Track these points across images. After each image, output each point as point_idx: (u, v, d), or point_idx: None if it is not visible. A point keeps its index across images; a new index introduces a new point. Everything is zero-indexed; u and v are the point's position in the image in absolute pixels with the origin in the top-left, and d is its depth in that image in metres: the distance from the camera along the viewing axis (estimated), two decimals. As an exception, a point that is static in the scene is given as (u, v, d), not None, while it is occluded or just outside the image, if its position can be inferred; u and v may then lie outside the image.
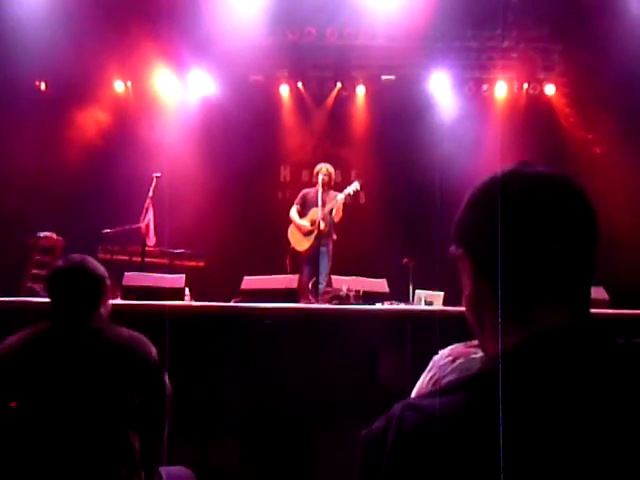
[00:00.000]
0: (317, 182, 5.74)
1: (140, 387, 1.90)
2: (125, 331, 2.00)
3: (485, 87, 7.52)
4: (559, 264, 0.84)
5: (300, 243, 5.76)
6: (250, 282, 4.36)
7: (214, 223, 7.02)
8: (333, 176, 5.84)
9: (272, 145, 7.64)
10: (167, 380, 2.00)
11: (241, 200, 7.39)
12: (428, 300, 4.44)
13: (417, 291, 4.64)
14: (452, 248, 0.92)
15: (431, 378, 1.05)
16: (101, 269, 2.08)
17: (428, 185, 6.59)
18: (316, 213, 5.62)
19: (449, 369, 1.03)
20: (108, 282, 2.08)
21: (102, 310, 2.05)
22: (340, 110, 7.76)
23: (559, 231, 0.85)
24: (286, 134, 7.79)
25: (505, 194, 0.84)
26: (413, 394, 1.11)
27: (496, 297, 0.85)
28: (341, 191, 5.73)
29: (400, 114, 7.10)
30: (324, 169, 5.77)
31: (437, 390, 0.81)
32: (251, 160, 7.22)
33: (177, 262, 5.87)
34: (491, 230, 0.85)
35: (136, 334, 2.02)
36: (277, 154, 7.79)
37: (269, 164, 7.72)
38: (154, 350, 2.01)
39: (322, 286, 5.34)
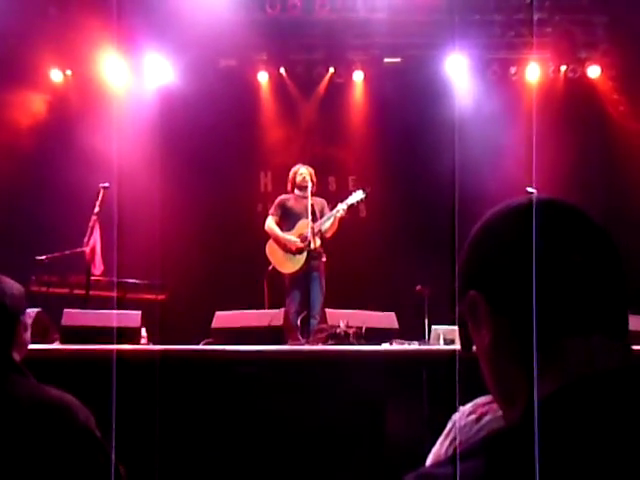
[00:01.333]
0: (295, 187, 5.90)
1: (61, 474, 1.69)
2: (43, 391, 1.78)
3: (513, 70, 7.64)
4: (586, 283, 0.90)
5: (284, 264, 5.79)
6: (224, 319, 4.43)
7: (178, 245, 7.07)
8: (314, 179, 5.95)
9: (249, 147, 7.71)
10: (113, 459, 1.79)
11: (211, 216, 7.43)
12: (448, 338, 4.51)
13: (434, 327, 4.71)
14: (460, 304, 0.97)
15: (451, 442, 1.07)
16: (14, 292, 1.87)
17: (444, 194, 6.50)
18: (305, 226, 5.65)
19: (474, 430, 1.04)
20: (24, 314, 1.90)
21: (15, 354, 1.87)
22: (333, 102, 7.79)
23: (580, 246, 0.91)
24: (266, 133, 7.84)
25: (525, 219, 0.91)
26: (428, 461, 1.12)
27: (520, 338, 0.89)
28: (338, 201, 5.88)
29: (408, 106, 7.16)
30: (303, 169, 5.90)
31: (457, 455, 0.81)
32: (223, 165, 7.33)
33: (131, 295, 5.93)
34: (512, 259, 0.91)
35: (58, 395, 1.81)
36: (255, 158, 7.85)
37: (246, 170, 7.78)
38: (90, 418, 1.81)
39: (314, 322, 5.38)
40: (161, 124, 6.99)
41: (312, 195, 5.78)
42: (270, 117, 7.89)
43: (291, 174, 5.97)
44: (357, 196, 5.77)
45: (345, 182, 7.85)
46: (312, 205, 5.64)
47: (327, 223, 5.73)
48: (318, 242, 5.59)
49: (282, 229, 5.86)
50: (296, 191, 5.83)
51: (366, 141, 7.80)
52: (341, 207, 5.67)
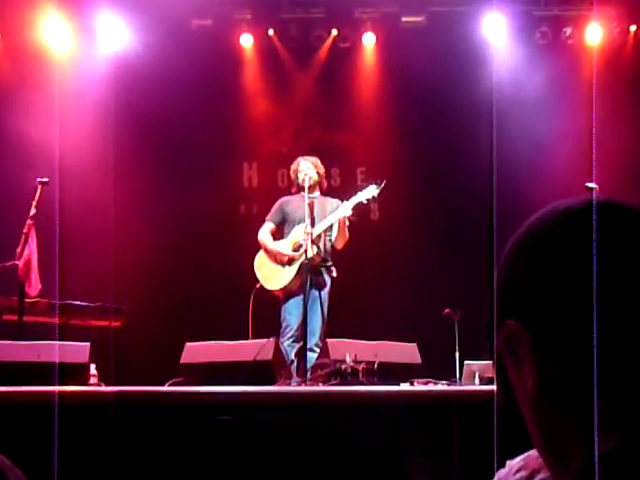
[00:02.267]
0: (299, 187, 5.98)
1: None
2: None
3: (567, 32, 7.70)
4: None
5: (274, 280, 5.86)
6: (197, 352, 4.57)
7: (137, 258, 7.12)
8: (322, 173, 6.04)
9: (229, 130, 7.74)
10: None
11: (181, 220, 7.47)
12: (485, 376, 4.57)
13: (467, 362, 4.86)
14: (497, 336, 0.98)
15: None
16: None
17: (478, 191, 6.64)
18: (302, 232, 5.71)
19: None
20: None
21: None
22: (336, 72, 7.81)
23: None
24: (250, 112, 7.87)
25: (580, 227, 0.90)
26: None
27: (574, 382, 0.89)
28: (344, 199, 5.90)
29: (431, 78, 7.18)
30: (307, 164, 5.97)
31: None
32: (196, 155, 7.38)
33: (77, 322, 5.89)
34: (563, 279, 0.90)
35: None
36: (237, 144, 7.88)
37: (225, 160, 7.81)
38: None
39: (314, 355, 5.47)
40: (116, 102, 7.06)
41: (323, 194, 5.98)
42: (256, 92, 7.93)
43: (292, 172, 6.11)
44: (368, 193, 5.82)
45: (352, 175, 7.88)
46: (310, 205, 5.71)
47: (334, 229, 5.78)
48: (313, 252, 5.63)
49: (279, 238, 6.00)
50: (302, 193, 5.92)
51: (379, 123, 7.82)
52: (345, 206, 5.74)
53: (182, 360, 4.56)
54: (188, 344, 4.66)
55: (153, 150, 7.52)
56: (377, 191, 5.81)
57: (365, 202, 5.87)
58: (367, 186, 5.91)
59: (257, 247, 6.12)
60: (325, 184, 6.14)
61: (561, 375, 0.91)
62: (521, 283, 0.95)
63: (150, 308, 7.05)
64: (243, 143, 7.98)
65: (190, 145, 7.47)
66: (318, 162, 6.09)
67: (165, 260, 7.38)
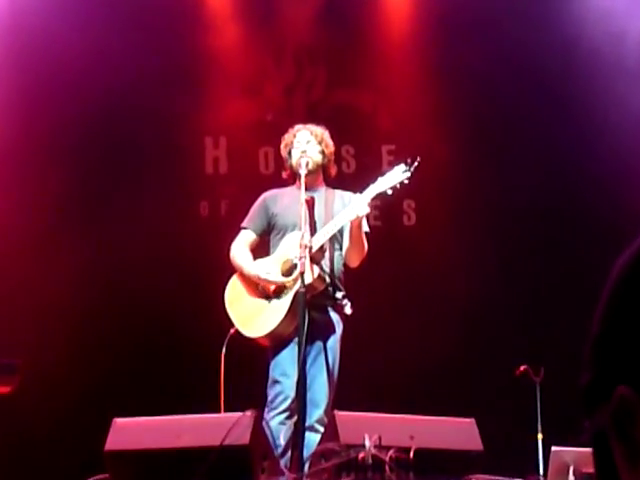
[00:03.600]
0: (293, 173, 5.37)
1: None
2: None
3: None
4: None
5: (255, 322, 5.28)
6: (131, 433, 4.35)
7: (42, 287, 6.67)
8: (330, 153, 5.36)
9: (180, 86, 7.13)
10: None
11: (109, 228, 6.92)
12: (584, 471, 4.37)
13: (555, 448, 4.59)
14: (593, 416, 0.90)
15: None
16: None
17: (569, 185, 6.81)
18: (296, 245, 5.10)
19: None
20: None
21: None
22: (347, 5, 7.32)
23: None
24: (216, 56, 7.20)
25: None
26: None
27: None
28: (358, 190, 5.20)
29: (494, 11, 6.83)
30: (306, 136, 5.36)
31: None
32: (133, 130, 6.86)
33: None
34: None
35: None
36: (194, 109, 7.22)
37: (176, 134, 7.21)
38: None
39: (315, 437, 4.92)
40: (14, 61, 6.91)
41: (329, 185, 5.38)
42: (223, 23, 7.19)
43: (282, 147, 5.42)
44: (393, 177, 5.09)
45: (374, 157, 7.16)
46: (308, 203, 5.09)
47: (344, 237, 5.21)
48: (314, 275, 4.97)
49: (268, 253, 5.37)
50: (297, 183, 5.32)
51: (415, 77, 7.17)
52: (361, 200, 5.00)
53: (108, 446, 4.15)
54: (117, 420, 4.26)
55: (69, 124, 6.86)
56: (407, 174, 5.03)
57: (390, 192, 5.07)
58: (393, 167, 5.16)
59: (228, 270, 5.25)
60: (334, 170, 5.36)
61: None
62: (636, 334, 0.89)
63: (59, 363, 6.40)
64: (204, 107, 7.20)
65: (118, 113, 6.83)
66: (326, 134, 5.29)
67: (83, 291, 6.77)
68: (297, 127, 5.41)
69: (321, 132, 5.35)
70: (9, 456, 5.56)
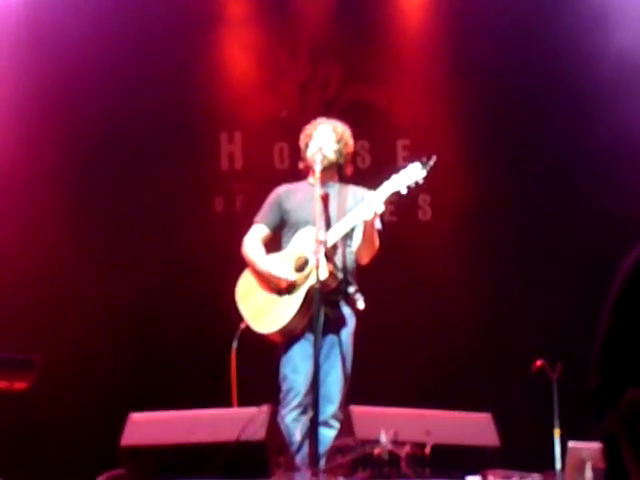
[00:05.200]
0: (308, 167, 5.33)
1: None
2: None
3: None
4: None
5: (267, 317, 5.24)
6: (147, 428, 4.34)
7: (56, 281, 6.71)
8: (348, 153, 5.33)
9: (196, 83, 7.17)
10: None
11: (124, 222, 6.98)
12: (601, 467, 4.25)
13: (572, 444, 4.46)
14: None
15: None
16: None
17: (582, 187, 6.72)
18: (310, 241, 5.10)
19: None
20: None
21: None
22: (359, 0, 7.39)
23: None
24: (231, 53, 7.25)
25: None
26: None
27: None
28: (372, 186, 5.16)
29: (503, 15, 6.84)
30: (326, 132, 5.31)
31: None
32: (148, 123, 6.88)
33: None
34: None
35: None
36: (210, 105, 7.28)
37: (191, 130, 7.23)
38: None
39: (330, 432, 4.93)
40: (26, 59, 6.89)
41: (343, 181, 5.33)
42: (238, 21, 7.20)
43: (302, 140, 5.36)
44: (409, 175, 5.04)
45: (390, 152, 7.16)
46: (323, 198, 5.05)
47: (356, 234, 5.15)
48: (327, 273, 4.94)
49: (280, 248, 5.34)
50: (310, 179, 5.27)
51: (432, 72, 7.14)
52: (376, 198, 4.99)
53: (124, 441, 4.17)
54: (133, 415, 4.27)
55: (75, 124, 6.87)
56: (424, 172, 5.01)
57: (405, 191, 5.03)
58: (408, 165, 5.09)
59: (240, 264, 5.21)
60: (350, 169, 5.31)
61: None
62: None
63: (75, 359, 6.40)
64: (219, 103, 7.24)
65: (134, 110, 6.81)
66: (347, 133, 5.27)
67: (99, 286, 6.76)
68: (320, 120, 5.37)
69: (342, 130, 5.32)
70: (26, 451, 5.60)
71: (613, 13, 6.89)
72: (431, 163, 5.05)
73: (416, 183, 5.05)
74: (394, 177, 5.05)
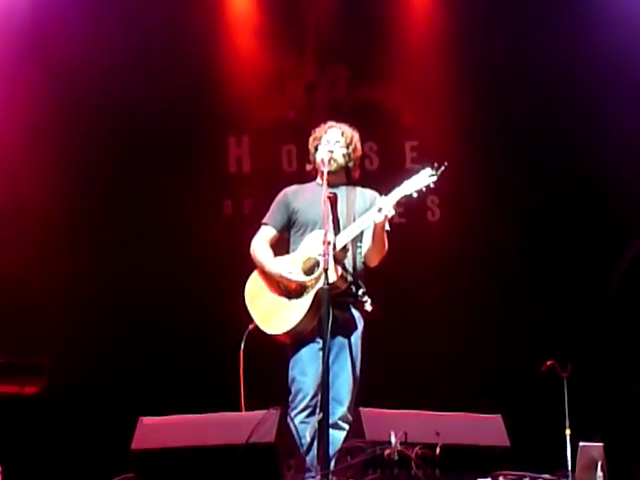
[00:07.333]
0: (316, 169, 5.32)
1: None
2: None
3: None
4: None
5: (276, 319, 5.26)
6: (157, 432, 4.31)
7: (69, 288, 6.77)
8: (356, 157, 5.34)
9: (204, 86, 7.23)
10: None
11: (133, 226, 7.05)
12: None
13: (583, 444, 4.49)
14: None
15: None
16: None
17: (591, 187, 6.75)
18: (318, 243, 5.06)
19: None
20: None
21: None
22: (367, 1, 7.38)
23: None
24: (238, 56, 7.31)
25: None
26: None
27: None
28: (383, 192, 5.17)
29: (513, 14, 6.90)
30: (336, 135, 5.32)
31: None
32: (156, 126, 6.96)
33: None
34: None
35: None
36: (218, 109, 7.33)
37: (199, 133, 7.32)
38: None
39: (340, 433, 4.90)
40: (34, 57, 6.90)
41: (352, 183, 5.29)
42: (245, 24, 7.30)
43: (310, 141, 5.36)
44: (419, 181, 5.03)
45: (398, 153, 7.20)
46: (331, 200, 4.98)
47: (365, 237, 5.15)
48: (336, 276, 4.94)
49: (283, 251, 5.35)
50: (318, 179, 5.28)
51: (440, 73, 7.18)
52: (386, 202, 4.97)
53: (134, 445, 4.13)
54: (143, 419, 4.24)
55: (83, 126, 6.92)
56: (434, 178, 4.98)
57: (416, 195, 5.00)
58: (418, 170, 5.03)
59: (249, 266, 5.19)
60: (357, 173, 5.31)
61: None
62: None
63: (84, 363, 6.46)
64: (227, 106, 7.29)
65: (142, 113, 6.90)
66: (356, 137, 5.27)
67: (108, 290, 6.85)
68: (330, 123, 5.38)
69: (351, 134, 5.34)
70: (36, 455, 5.60)
71: (617, 11, 6.91)
72: (442, 169, 5.06)
73: (427, 187, 5.08)
74: (405, 182, 5.06)
